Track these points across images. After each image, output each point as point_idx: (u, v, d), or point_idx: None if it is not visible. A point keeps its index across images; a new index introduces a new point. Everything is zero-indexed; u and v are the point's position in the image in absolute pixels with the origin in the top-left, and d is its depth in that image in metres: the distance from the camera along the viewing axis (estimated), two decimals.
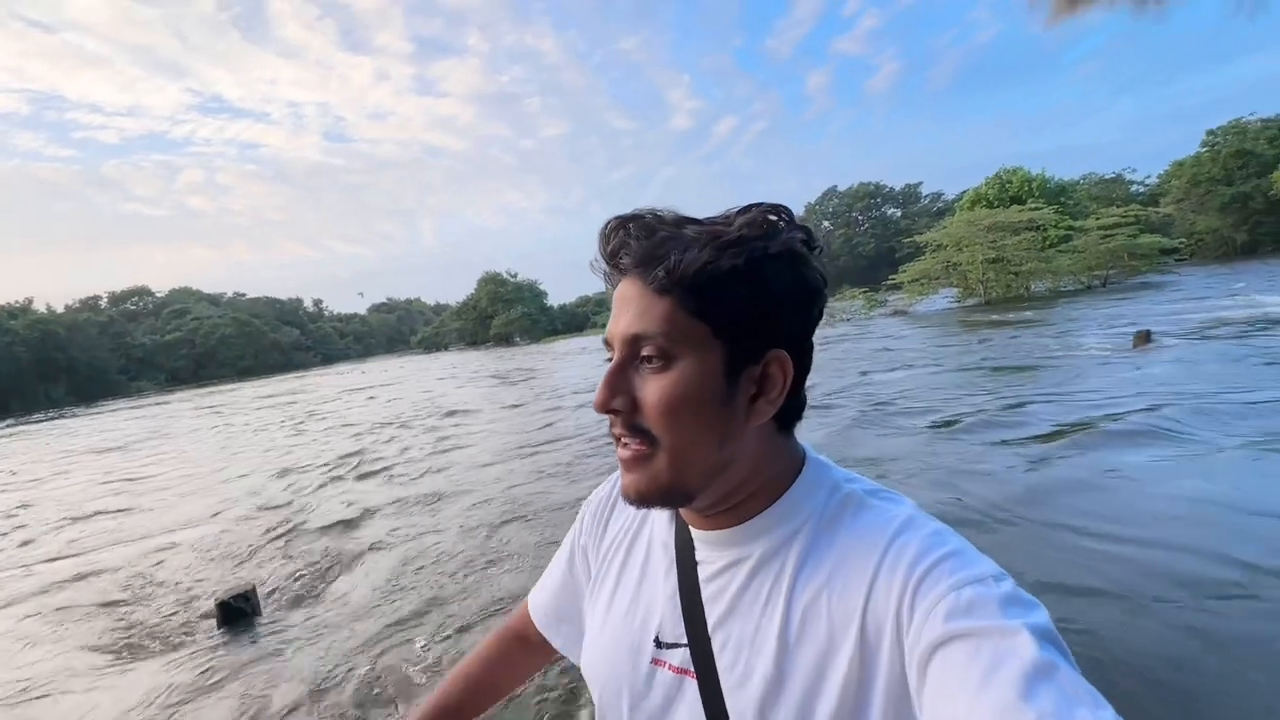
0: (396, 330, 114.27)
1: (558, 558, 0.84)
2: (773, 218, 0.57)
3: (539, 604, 0.85)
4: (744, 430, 0.57)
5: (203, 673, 3.59)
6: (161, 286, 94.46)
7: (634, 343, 0.56)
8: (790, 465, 0.62)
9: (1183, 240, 35.37)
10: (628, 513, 0.74)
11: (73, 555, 6.42)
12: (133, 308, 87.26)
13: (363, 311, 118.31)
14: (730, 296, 0.54)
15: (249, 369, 77.31)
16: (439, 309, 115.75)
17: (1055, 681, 0.41)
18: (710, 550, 0.62)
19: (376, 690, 3.22)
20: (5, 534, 7.82)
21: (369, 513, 6.59)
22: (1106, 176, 57.75)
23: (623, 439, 0.58)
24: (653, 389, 0.55)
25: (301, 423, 16.80)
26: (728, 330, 0.55)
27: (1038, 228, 28.37)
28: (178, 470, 11.39)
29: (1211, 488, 4.24)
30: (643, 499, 0.58)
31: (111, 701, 3.42)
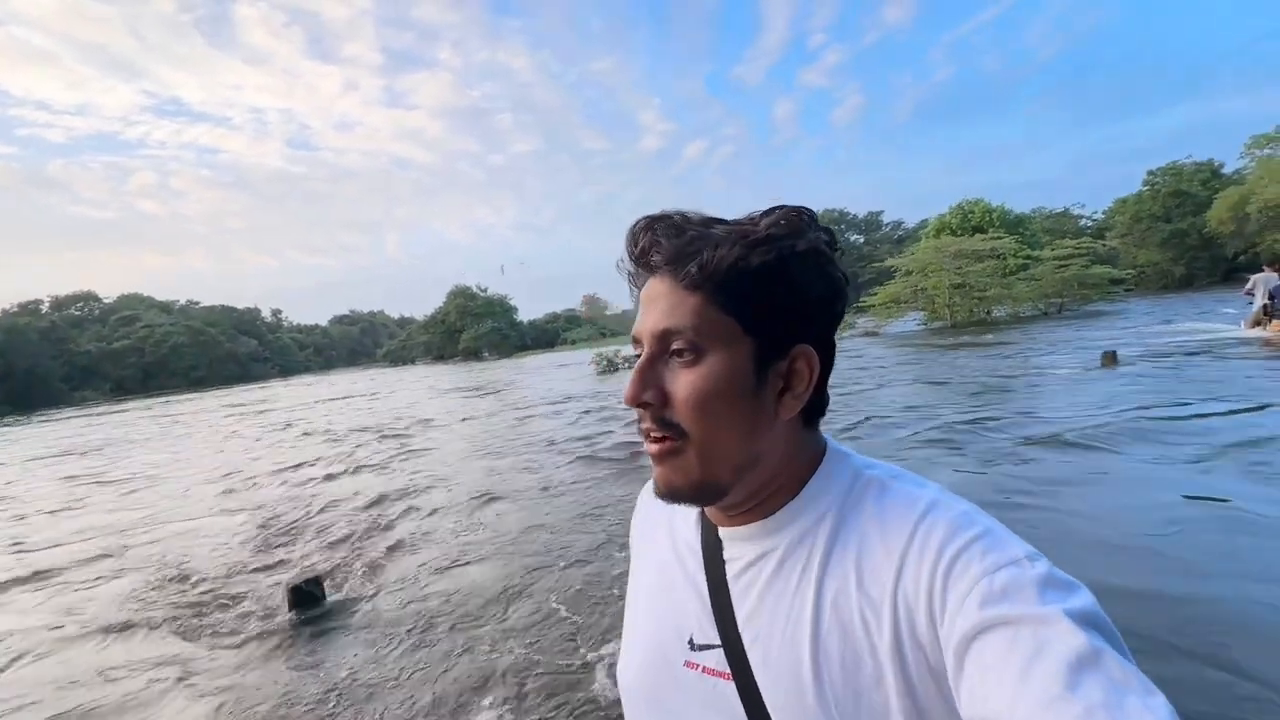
0: (359, 343, 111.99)
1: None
2: (797, 218, 0.58)
3: None
4: (772, 425, 0.58)
5: (292, 654, 3.71)
6: (109, 292, 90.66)
7: (664, 337, 0.57)
8: (813, 457, 0.62)
9: (1129, 271, 37.49)
10: (653, 520, 0.76)
11: (123, 541, 6.34)
12: (77, 313, 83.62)
13: (324, 323, 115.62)
14: (760, 293, 0.56)
15: (202, 380, 74.74)
16: (403, 322, 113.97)
17: (1102, 670, 0.39)
18: (737, 547, 0.63)
19: (452, 669, 3.40)
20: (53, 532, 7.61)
21: (391, 510, 6.68)
22: (1056, 210, 60.76)
23: (652, 433, 0.58)
24: (683, 382, 0.56)
25: (284, 429, 16.52)
26: (757, 326, 0.56)
27: (999, 256, 29.82)
28: (183, 472, 11.15)
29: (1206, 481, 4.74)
30: (675, 494, 0.59)
31: (205, 683, 3.51)
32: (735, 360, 0.56)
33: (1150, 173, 49.45)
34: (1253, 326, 13.68)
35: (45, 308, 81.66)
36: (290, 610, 4.13)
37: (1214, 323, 16.74)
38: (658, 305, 0.58)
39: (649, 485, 0.72)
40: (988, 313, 30.92)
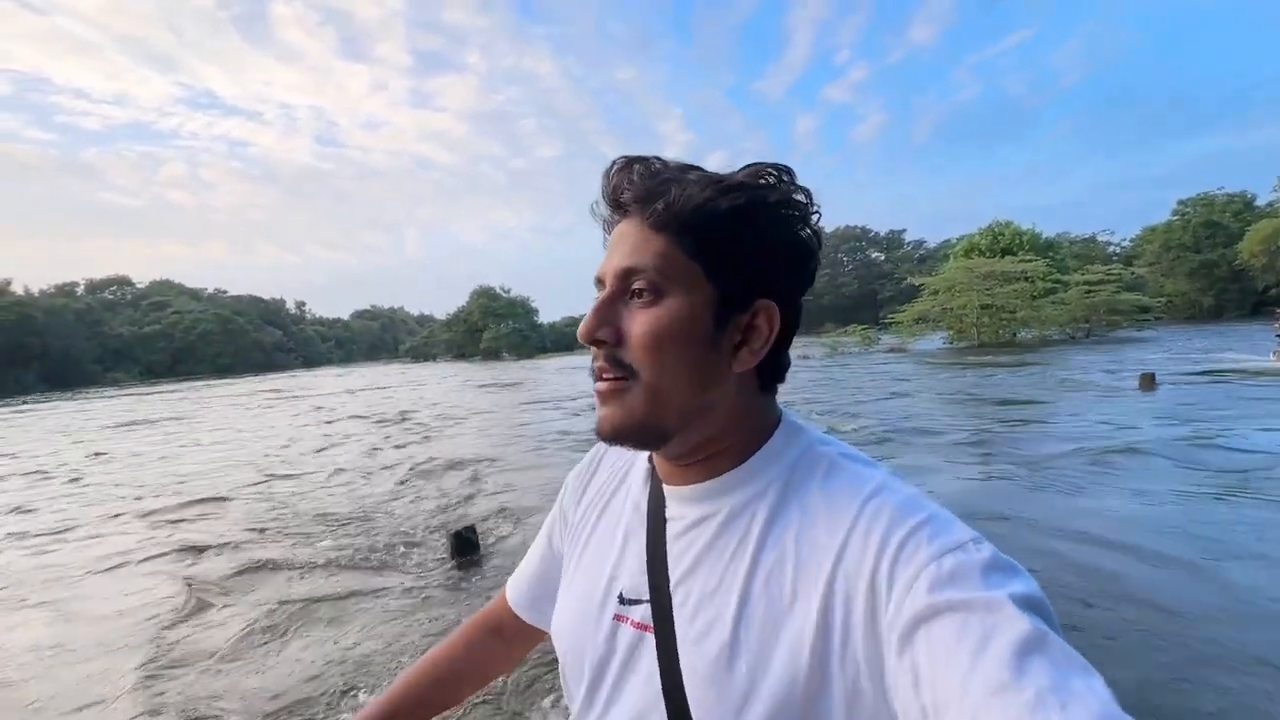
0: (379, 338, 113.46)
1: (537, 540, 0.84)
2: (773, 173, 0.57)
3: (516, 588, 0.84)
4: (725, 377, 0.57)
5: (462, 591, 4.29)
6: (139, 278, 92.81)
7: (626, 276, 0.56)
8: (767, 423, 0.61)
9: (1160, 299, 37.58)
10: (605, 476, 0.76)
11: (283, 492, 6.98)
12: (111, 297, 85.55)
13: (345, 317, 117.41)
14: (726, 237, 0.55)
15: (229, 367, 76.18)
16: (423, 319, 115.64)
17: (1046, 654, 0.40)
18: (681, 506, 0.62)
19: None
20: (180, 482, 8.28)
21: (472, 475, 7.27)
22: (1083, 236, 60.76)
23: (603, 372, 0.58)
24: (640, 322, 0.56)
25: (330, 411, 17.12)
26: (720, 272, 0.55)
27: (1028, 278, 30.09)
28: (257, 440, 11.82)
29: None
30: (617, 433, 0.58)
31: (388, 624, 4.07)
32: (694, 305, 0.55)
33: (1181, 202, 49.62)
34: None
35: (80, 290, 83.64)
36: (453, 558, 4.71)
37: (1244, 353, 17.09)
38: (623, 244, 0.57)
39: (598, 447, 0.75)
40: (1014, 335, 31.20)
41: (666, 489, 0.64)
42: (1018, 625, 0.41)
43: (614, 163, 0.60)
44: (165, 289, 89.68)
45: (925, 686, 0.43)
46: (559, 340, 77.99)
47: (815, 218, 0.59)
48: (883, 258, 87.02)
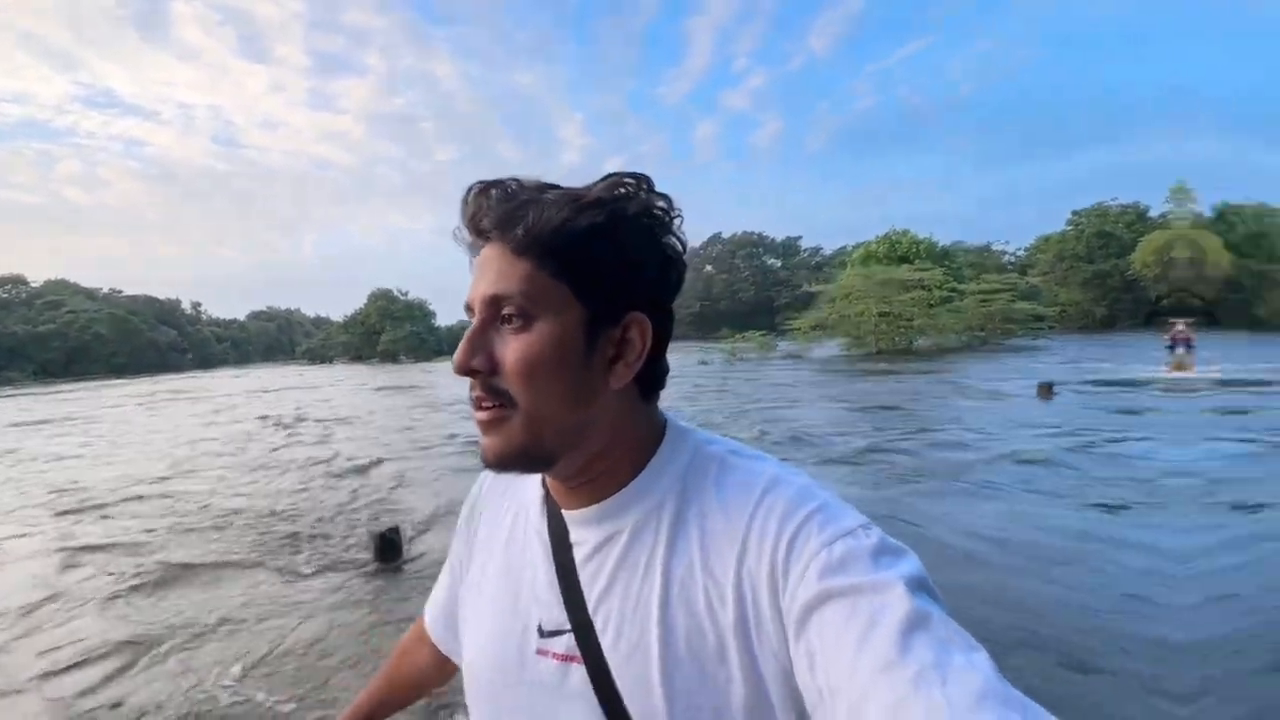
0: (276, 339, 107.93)
1: (444, 570, 0.84)
2: (631, 183, 0.57)
3: (432, 615, 0.84)
4: (603, 393, 0.57)
5: (381, 591, 4.49)
6: (35, 276, 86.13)
7: (494, 304, 0.55)
8: (653, 433, 0.62)
9: (1055, 308, 38.67)
10: (499, 507, 0.73)
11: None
12: (5, 295, 79.21)
13: (241, 318, 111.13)
14: (588, 255, 0.54)
15: (123, 367, 71.59)
16: (319, 321, 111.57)
17: (931, 631, 0.41)
18: (584, 530, 0.61)
19: None
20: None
21: (378, 472, 7.51)
22: (977, 245, 61.53)
23: (481, 402, 0.57)
24: (512, 349, 0.55)
25: (233, 410, 16.57)
26: (586, 290, 0.55)
27: (925, 286, 31.20)
28: (167, 439, 11.35)
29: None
30: (501, 462, 0.57)
31: (308, 618, 4.14)
32: (565, 327, 0.55)
33: (1075, 213, 50.55)
34: (1174, 370, 15.79)
35: None
36: (376, 559, 4.88)
37: (1137, 364, 18.26)
38: (489, 271, 0.56)
39: (486, 473, 0.74)
40: (910, 342, 32.22)
41: (566, 514, 0.63)
42: (904, 605, 0.42)
43: (470, 188, 0.59)
44: (61, 288, 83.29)
45: (820, 669, 0.44)
46: (455, 343, 75.18)
47: (677, 223, 0.59)
48: (779, 265, 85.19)
